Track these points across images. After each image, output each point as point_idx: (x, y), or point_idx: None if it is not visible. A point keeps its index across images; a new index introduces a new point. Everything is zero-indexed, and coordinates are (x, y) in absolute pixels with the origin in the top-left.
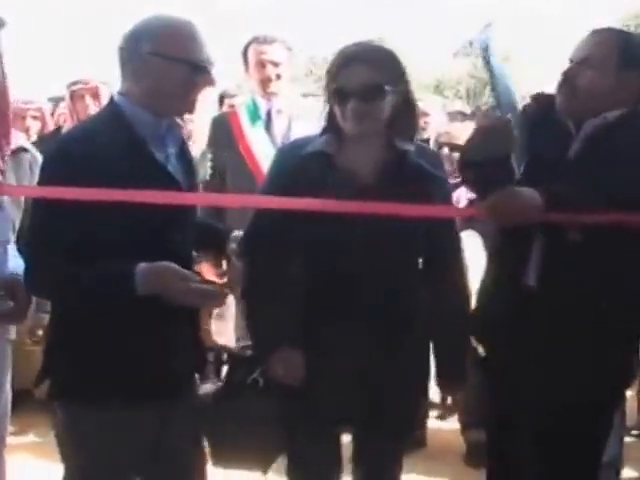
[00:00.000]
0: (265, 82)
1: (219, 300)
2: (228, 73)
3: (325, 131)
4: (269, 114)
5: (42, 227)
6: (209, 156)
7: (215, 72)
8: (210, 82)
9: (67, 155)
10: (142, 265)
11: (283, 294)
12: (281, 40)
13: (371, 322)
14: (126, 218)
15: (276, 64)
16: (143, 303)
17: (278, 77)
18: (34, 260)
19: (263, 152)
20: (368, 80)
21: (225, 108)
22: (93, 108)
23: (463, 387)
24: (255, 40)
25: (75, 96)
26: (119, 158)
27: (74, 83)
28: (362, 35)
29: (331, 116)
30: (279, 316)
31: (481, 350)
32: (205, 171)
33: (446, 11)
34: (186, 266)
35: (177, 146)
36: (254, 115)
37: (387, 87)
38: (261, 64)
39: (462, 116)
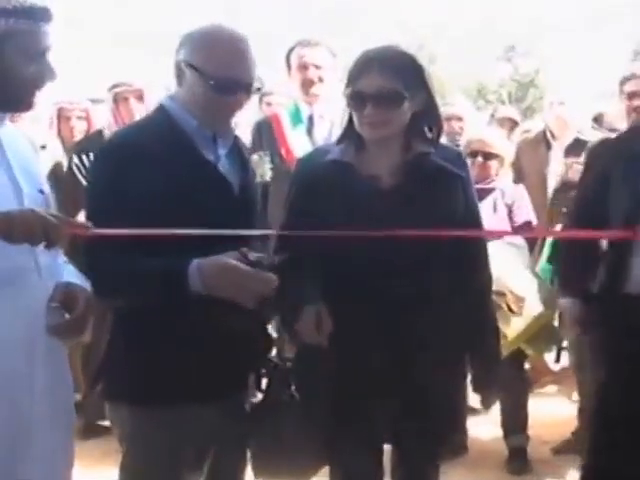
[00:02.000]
0: (307, 84)
1: (274, 283)
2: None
3: (344, 137)
4: (311, 119)
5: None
6: (267, 158)
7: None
8: (235, 103)
9: (117, 157)
10: (195, 262)
11: (310, 268)
12: (325, 45)
13: (404, 328)
14: (180, 221)
15: (318, 67)
16: (203, 301)
17: (320, 80)
18: (94, 262)
19: None
20: (384, 86)
21: (263, 106)
22: (138, 111)
23: (497, 396)
24: (299, 44)
25: (119, 99)
26: (168, 160)
27: (117, 85)
28: (403, 39)
29: (350, 121)
30: (306, 280)
31: None
32: (263, 172)
33: (488, 16)
34: None
35: (229, 147)
36: (296, 119)
37: (405, 93)
38: (303, 66)
39: (511, 123)
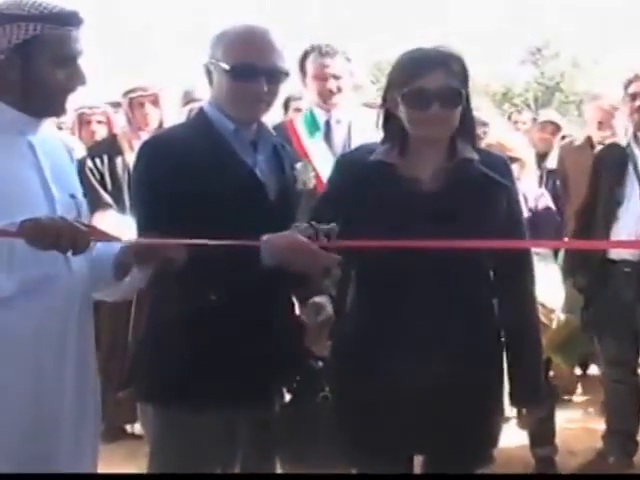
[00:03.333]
0: (326, 95)
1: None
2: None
3: (386, 139)
4: (328, 124)
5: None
6: (309, 166)
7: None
8: (255, 89)
9: (157, 162)
10: (265, 237)
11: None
12: (342, 51)
13: (440, 338)
14: (217, 224)
15: (337, 77)
16: (234, 306)
17: (339, 90)
18: None
19: (323, 164)
20: (449, 84)
21: (291, 112)
22: (153, 115)
23: (540, 408)
24: (314, 51)
25: (134, 103)
26: (206, 164)
27: (132, 90)
28: (427, 41)
29: (391, 123)
30: None
31: None
32: (306, 180)
33: (513, 18)
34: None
35: (268, 152)
36: (312, 126)
37: (463, 92)
38: (322, 77)
39: (554, 127)
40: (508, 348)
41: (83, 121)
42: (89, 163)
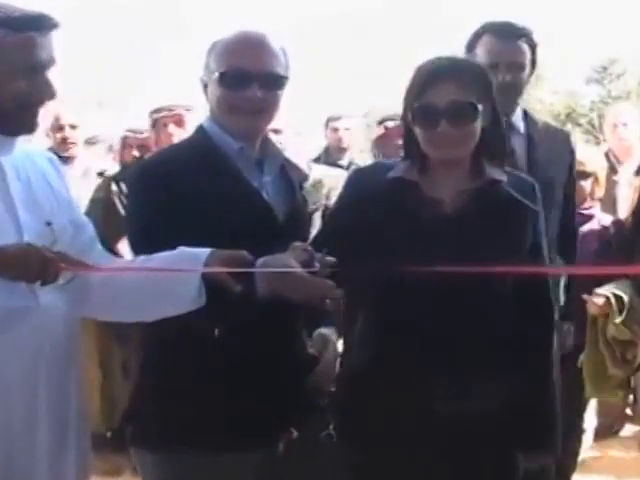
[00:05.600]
0: None
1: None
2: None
3: (406, 156)
4: None
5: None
6: (319, 186)
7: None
8: (249, 97)
9: (155, 184)
10: (261, 260)
11: None
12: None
13: (455, 373)
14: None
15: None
16: (237, 342)
17: None
18: None
19: None
20: (459, 98)
21: (329, 132)
22: (177, 137)
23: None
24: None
25: (158, 125)
26: (209, 185)
27: (157, 110)
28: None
29: (412, 139)
30: None
31: None
32: (317, 201)
33: (577, 36)
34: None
35: (275, 172)
36: None
37: (480, 106)
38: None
39: None
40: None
41: (126, 145)
42: (114, 187)
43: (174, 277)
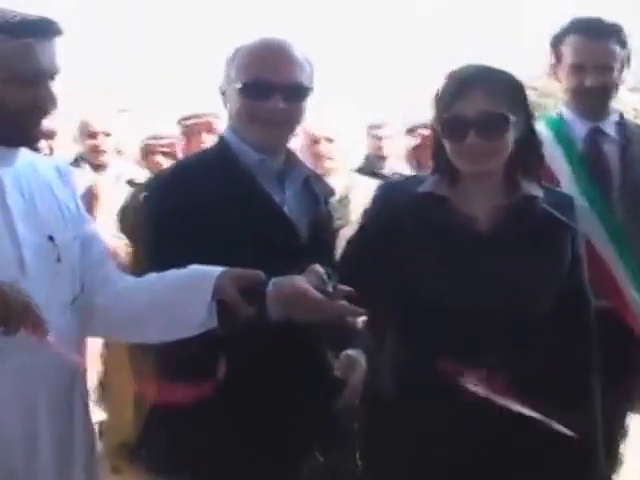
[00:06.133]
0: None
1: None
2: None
3: (436, 169)
4: (593, 138)
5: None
6: (346, 201)
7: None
8: (271, 108)
9: (173, 196)
10: (273, 281)
11: None
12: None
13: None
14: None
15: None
16: (257, 365)
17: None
18: None
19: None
20: (489, 109)
21: (370, 140)
22: (209, 144)
23: None
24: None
25: (189, 132)
26: (228, 202)
27: (186, 118)
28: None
29: (441, 151)
30: None
31: None
32: (343, 216)
33: None
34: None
35: (298, 186)
36: (562, 137)
37: (512, 117)
38: (581, 66)
39: None
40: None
41: (148, 152)
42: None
43: (183, 298)
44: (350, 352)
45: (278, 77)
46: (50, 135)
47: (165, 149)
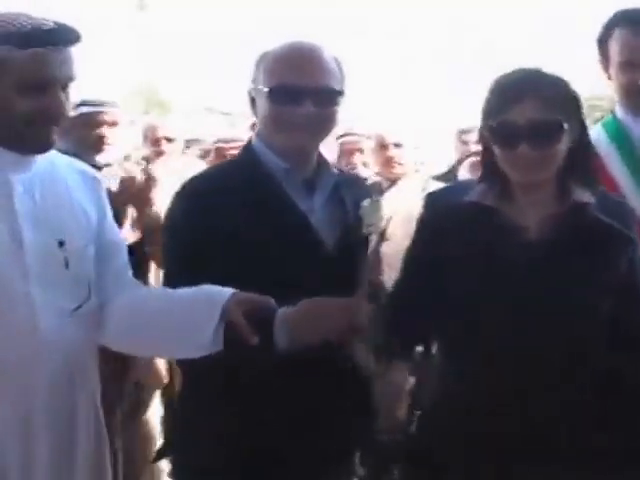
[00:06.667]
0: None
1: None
2: None
3: (483, 177)
4: None
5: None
6: (378, 205)
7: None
8: (300, 114)
9: (196, 203)
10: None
11: None
12: None
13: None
14: (265, 277)
15: None
16: (279, 377)
17: None
18: None
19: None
20: (542, 116)
21: (459, 145)
22: None
23: None
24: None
25: (219, 155)
26: (250, 211)
27: (220, 140)
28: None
29: (490, 159)
30: None
31: None
32: (375, 221)
33: None
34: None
35: (327, 192)
36: (618, 137)
37: (566, 125)
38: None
39: None
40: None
41: (220, 155)
42: None
43: (191, 318)
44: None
45: (308, 81)
46: (113, 124)
47: (235, 151)
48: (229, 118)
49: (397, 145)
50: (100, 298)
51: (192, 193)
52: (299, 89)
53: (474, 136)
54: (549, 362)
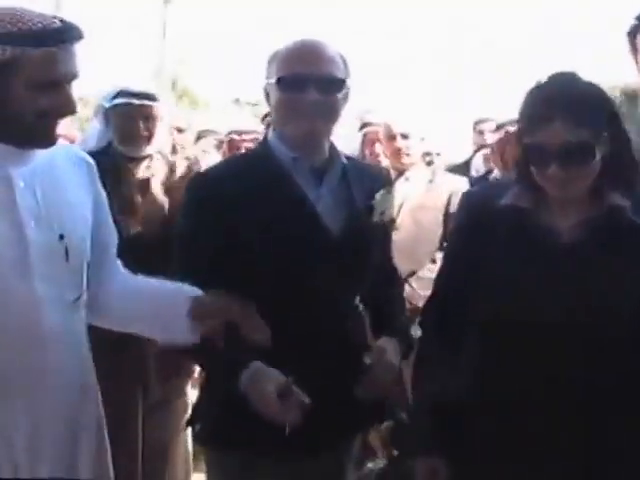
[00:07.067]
0: None
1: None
2: None
3: (519, 178)
4: None
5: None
6: (390, 195)
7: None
8: (306, 101)
9: (208, 189)
10: (248, 374)
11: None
12: None
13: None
14: (270, 261)
15: None
16: (297, 348)
17: None
18: None
19: None
20: (571, 140)
21: (476, 136)
22: None
23: None
24: None
25: (233, 147)
26: (260, 195)
27: (232, 132)
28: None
29: (525, 165)
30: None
31: None
32: (384, 210)
33: None
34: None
35: (336, 181)
36: None
37: (596, 143)
38: None
39: None
40: None
41: (233, 147)
42: None
43: (171, 310)
44: (381, 341)
45: (312, 70)
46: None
47: (249, 144)
48: (256, 109)
49: (404, 136)
50: (94, 287)
51: (207, 180)
52: (304, 77)
53: (489, 126)
54: (574, 366)
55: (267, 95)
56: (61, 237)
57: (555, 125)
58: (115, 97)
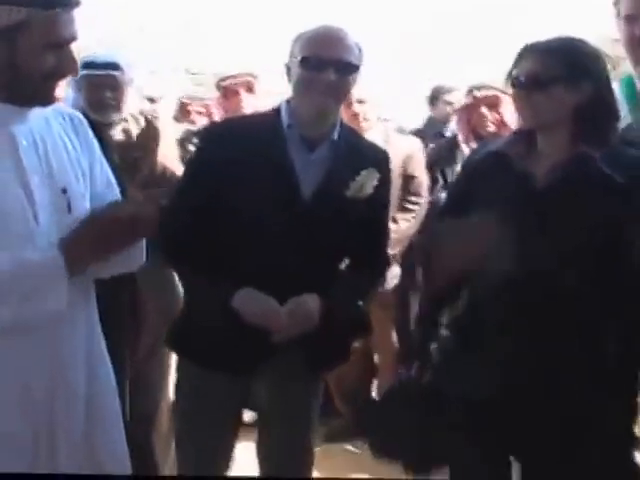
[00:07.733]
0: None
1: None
2: None
3: (518, 131)
4: None
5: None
6: (373, 175)
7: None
8: (324, 80)
9: (210, 139)
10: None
11: None
12: None
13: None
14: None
15: None
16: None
17: None
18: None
19: None
20: (531, 69)
21: (440, 105)
22: (247, 103)
23: None
24: None
25: (228, 92)
26: (247, 156)
27: (224, 79)
28: None
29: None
30: None
31: None
32: (362, 187)
33: None
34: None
35: (326, 152)
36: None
37: (554, 76)
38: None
39: None
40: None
41: (183, 110)
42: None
43: None
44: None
45: (332, 54)
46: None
47: (199, 109)
48: (196, 78)
49: (360, 101)
50: None
51: (206, 137)
52: (324, 59)
53: (450, 96)
54: (529, 315)
55: (288, 70)
56: (64, 191)
57: (524, 60)
58: (82, 68)
